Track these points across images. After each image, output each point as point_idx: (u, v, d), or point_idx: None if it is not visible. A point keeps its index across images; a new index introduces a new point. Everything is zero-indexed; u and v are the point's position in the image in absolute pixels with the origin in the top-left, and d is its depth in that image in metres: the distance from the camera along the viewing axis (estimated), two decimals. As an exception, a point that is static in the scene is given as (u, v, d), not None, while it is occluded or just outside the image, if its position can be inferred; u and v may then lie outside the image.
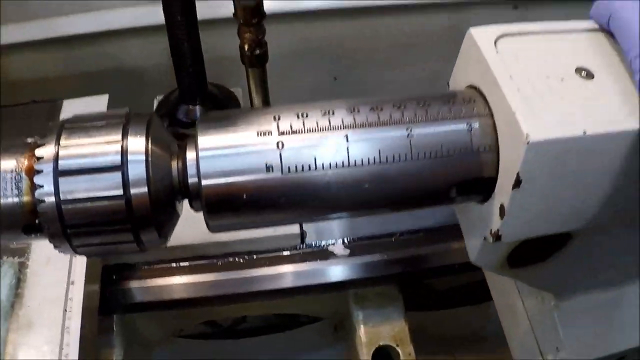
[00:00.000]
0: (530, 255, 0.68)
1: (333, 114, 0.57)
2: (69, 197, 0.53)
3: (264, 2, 1.36)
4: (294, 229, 1.08)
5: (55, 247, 0.57)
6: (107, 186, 0.53)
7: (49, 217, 0.53)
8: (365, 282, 1.10)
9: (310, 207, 0.58)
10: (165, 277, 1.07)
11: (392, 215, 1.10)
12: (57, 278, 0.91)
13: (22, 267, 0.92)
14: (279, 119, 0.57)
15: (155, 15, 1.38)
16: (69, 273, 0.91)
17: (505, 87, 0.56)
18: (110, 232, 0.55)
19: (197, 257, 1.09)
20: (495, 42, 0.60)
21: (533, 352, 0.87)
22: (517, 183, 0.55)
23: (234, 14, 0.93)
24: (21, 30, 1.42)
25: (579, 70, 0.59)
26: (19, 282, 0.91)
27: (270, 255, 1.09)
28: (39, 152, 0.54)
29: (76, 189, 0.53)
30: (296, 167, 0.55)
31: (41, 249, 0.94)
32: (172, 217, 0.59)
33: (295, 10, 1.46)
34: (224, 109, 1.12)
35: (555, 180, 0.55)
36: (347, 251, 1.09)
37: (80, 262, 0.93)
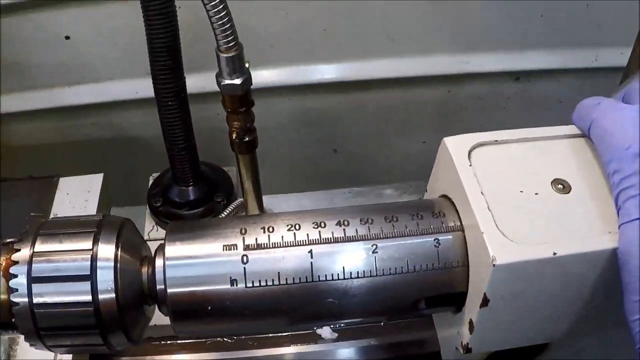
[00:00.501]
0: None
1: (298, 228, 0.58)
2: (41, 301, 0.54)
3: (265, 74, 1.40)
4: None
5: (31, 345, 0.58)
6: (77, 292, 0.55)
7: (23, 319, 0.55)
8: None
9: (275, 320, 0.58)
10: (155, 355, 1.06)
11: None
12: (45, 355, 0.89)
13: (12, 344, 0.93)
14: (245, 232, 0.58)
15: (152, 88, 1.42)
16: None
17: (475, 204, 0.56)
18: (80, 335, 0.56)
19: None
20: (469, 153, 0.60)
21: None
22: (485, 302, 0.54)
23: (222, 101, 0.94)
24: (22, 100, 1.45)
25: (555, 182, 0.58)
26: (9, 358, 0.91)
27: (258, 336, 1.08)
28: (15, 256, 0.56)
29: (48, 293, 0.55)
30: (260, 281, 0.56)
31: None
32: (140, 320, 0.60)
33: (295, 83, 1.48)
34: (217, 190, 1.13)
35: (524, 299, 0.55)
36: (335, 335, 1.07)
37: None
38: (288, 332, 1.07)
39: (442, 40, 1.49)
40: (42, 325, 0.55)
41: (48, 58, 1.40)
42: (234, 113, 0.92)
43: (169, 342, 1.08)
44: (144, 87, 1.40)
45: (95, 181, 1.16)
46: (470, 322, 0.57)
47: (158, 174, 1.19)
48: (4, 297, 0.56)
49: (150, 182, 1.17)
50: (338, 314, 0.58)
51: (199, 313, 0.57)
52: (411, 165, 1.69)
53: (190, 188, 1.10)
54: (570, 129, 0.63)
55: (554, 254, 0.53)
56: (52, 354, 0.84)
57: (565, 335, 0.61)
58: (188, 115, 1.01)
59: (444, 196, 0.62)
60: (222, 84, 0.89)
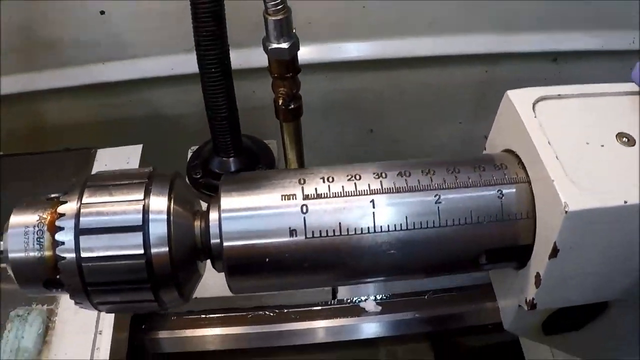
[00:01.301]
0: (564, 323, 0.66)
1: (359, 178, 0.56)
2: (89, 255, 0.52)
3: (302, 51, 1.38)
4: (326, 283, 1.06)
5: (76, 303, 0.56)
6: (128, 245, 0.53)
7: (69, 274, 0.53)
8: (396, 340, 1.07)
9: (334, 272, 0.56)
10: (195, 328, 1.06)
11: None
12: (85, 327, 0.90)
13: (50, 315, 0.92)
14: (304, 182, 0.56)
15: (191, 64, 1.40)
16: (97, 322, 0.91)
17: (544, 154, 0.54)
18: (130, 290, 0.54)
19: (227, 310, 1.07)
20: (533, 106, 0.59)
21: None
22: (554, 252, 0.52)
23: (268, 68, 0.92)
24: (57, 77, 1.44)
25: (619, 135, 0.56)
26: (47, 330, 0.91)
27: (301, 309, 1.07)
28: (61, 209, 0.54)
29: (96, 247, 0.52)
30: (320, 232, 0.54)
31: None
32: (193, 276, 0.58)
33: (333, 60, 1.46)
34: (258, 162, 1.11)
35: (593, 250, 0.53)
36: (379, 308, 1.06)
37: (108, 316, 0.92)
38: (332, 305, 1.06)
39: (481, 19, 1.46)
40: (90, 280, 0.53)
41: (83, 34, 1.39)
42: (281, 79, 0.91)
43: (207, 315, 1.08)
44: (180, 64, 1.41)
45: (134, 152, 1.15)
46: (537, 276, 0.55)
47: (197, 146, 1.17)
48: (48, 253, 0.54)
49: (190, 154, 1.16)
50: (399, 267, 0.56)
51: (256, 267, 0.55)
52: (447, 144, 1.67)
53: (232, 159, 1.08)
54: (631, 87, 0.61)
55: (625, 202, 0.51)
56: (89, 348, 0.85)
57: (631, 293, 0.59)
58: (231, 84, 1.00)
59: (506, 151, 0.60)
60: (270, 48, 0.87)
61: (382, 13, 1.43)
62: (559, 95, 0.60)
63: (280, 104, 0.92)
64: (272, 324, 1.05)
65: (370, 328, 1.06)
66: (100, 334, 0.90)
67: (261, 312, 1.07)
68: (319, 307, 1.07)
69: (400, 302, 1.08)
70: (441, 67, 1.53)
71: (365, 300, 1.07)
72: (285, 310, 1.07)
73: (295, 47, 0.88)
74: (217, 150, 1.08)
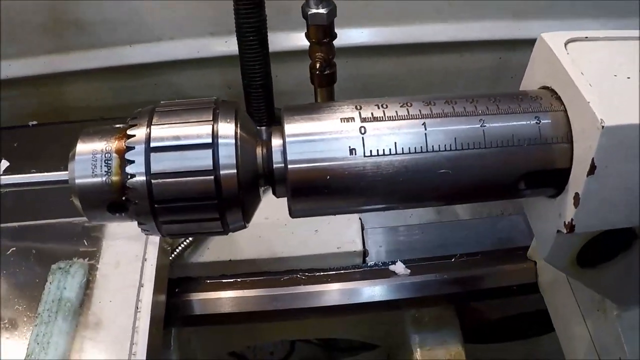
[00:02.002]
0: (598, 253, 0.69)
1: (410, 105, 0.61)
2: (160, 171, 0.56)
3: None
4: (357, 245, 1.10)
5: (140, 224, 0.59)
6: (198, 162, 0.57)
7: (138, 192, 0.56)
8: (424, 301, 1.11)
9: (389, 191, 0.60)
10: (228, 290, 1.10)
11: (451, 239, 1.13)
12: (126, 281, 0.94)
13: (92, 270, 0.95)
14: (360, 108, 0.60)
15: (217, 48, 1.45)
16: (141, 275, 0.94)
17: (578, 81, 0.59)
18: (197, 209, 0.58)
19: (260, 273, 1.11)
20: (565, 45, 0.64)
21: (594, 368, 0.88)
22: (592, 169, 0.57)
23: (305, 34, 0.97)
24: (82, 58, 1.47)
25: (645, 70, 0.61)
26: (88, 283, 0.94)
27: (331, 272, 1.11)
28: (131, 131, 0.58)
29: (167, 164, 0.56)
30: (377, 150, 0.58)
31: (111, 253, 0.98)
32: (255, 200, 0.62)
33: (348, 45, 1.50)
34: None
35: (628, 166, 0.57)
36: (408, 271, 1.10)
37: (149, 266, 0.96)
38: (364, 268, 1.10)
39: (497, 5, 1.50)
40: (159, 197, 0.56)
41: (110, 15, 1.42)
42: (318, 44, 0.96)
43: (239, 279, 1.12)
44: (206, 47, 1.45)
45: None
46: (576, 196, 0.59)
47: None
48: (116, 177, 0.57)
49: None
50: (449, 187, 0.60)
51: (318, 187, 0.59)
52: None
53: (264, 129, 1.13)
54: None
55: (656, 119, 0.55)
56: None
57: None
58: (267, 53, 1.05)
59: (541, 88, 0.65)
60: (309, 13, 0.92)
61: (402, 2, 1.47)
62: (586, 37, 0.66)
63: (317, 68, 0.97)
64: (303, 286, 1.09)
65: (399, 289, 1.10)
66: (142, 286, 0.93)
67: (293, 275, 1.10)
68: (353, 270, 1.12)
69: (428, 265, 1.12)
70: (454, 53, 1.57)
71: (395, 263, 1.11)
72: (317, 274, 1.11)
73: (333, 13, 0.93)
74: (251, 118, 1.12)
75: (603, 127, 0.55)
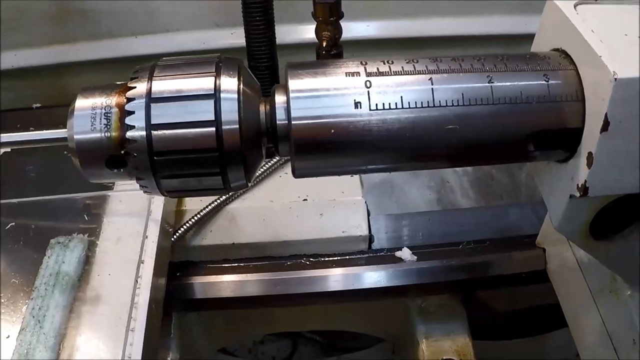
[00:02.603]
0: (611, 224, 0.68)
1: (417, 62, 0.59)
2: (160, 122, 0.55)
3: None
4: (362, 230, 1.09)
5: (139, 180, 0.58)
6: (200, 114, 0.55)
7: (138, 145, 0.55)
8: (431, 287, 1.09)
9: (395, 147, 0.59)
10: (230, 274, 1.08)
11: (459, 226, 1.12)
12: (126, 257, 0.92)
13: (92, 246, 0.94)
14: (365, 64, 0.59)
15: (222, 40, 1.44)
16: (141, 251, 0.93)
17: (589, 38, 0.58)
18: (197, 162, 0.57)
19: (264, 258, 1.10)
20: (575, 7, 0.63)
21: (606, 351, 0.86)
22: (606, 125, 0.55)
23: (312, 13, 0.96)
24: (87, 49, 1.48)
25: (654, 31, 0.60)
26: (87, 258, 0.92)
27: (337, 258, 1.09)
28: (132, 83, 0.57)
29: (168, 116, 0.55)
30: (383, 104, 0.57)
31: (112, 230, 0.96)
32: (258, 158, 0.61)
33: (355, 38, 1.50)
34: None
35: (641, 124, 0.56)
36: (414, 257, 1.08)
37: (150, 243, 0.94)
38: (370, 254, 1.09)
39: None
40: (159, 149, 0.55)
41: (116, 6, 1.43)
42: (325, 23, 0.95)
43: (243, 264, 1.10)
44: (212, 38, 1.45)
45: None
46: (589, 156, 0.58)
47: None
48: (115, 129, 0.56)
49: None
50: (457, 145, 0.59)
51: (322, 144, 0.58)
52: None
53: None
54: None
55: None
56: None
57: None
58: (273, 35, 1.04)
59: (551, 50, 0.64)
60: (316, -11, 0.91)
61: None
62: (596, 1, 0.64)
63: (323, 47, 0.96)
64: (307, 270, 1.07)
65: (405, 274, 1.08)
66: (142, 263, 0.92)
67: (297, 260, 1.09)
68: (355, 256, 1.10)
69: (435, 252, 1.10)
70: (459, 47, 1.57)
71: (401, 249, 1.09)
72: (321, 259, 1.09)
73: (340, -8, 0.93)
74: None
75: (616, 79, 0.53)
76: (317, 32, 0.98)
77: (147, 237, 0.94)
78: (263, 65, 1.06)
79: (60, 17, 1.42)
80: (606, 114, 0.55)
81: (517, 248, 1.10)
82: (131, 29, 1.46)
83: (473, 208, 1.20)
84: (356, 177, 1.16)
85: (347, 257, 1.10)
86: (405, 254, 1.09)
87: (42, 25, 1.42)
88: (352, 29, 1.50)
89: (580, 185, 0.60)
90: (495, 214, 1.19)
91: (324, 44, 0.97)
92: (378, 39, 1.54)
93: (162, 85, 0.56)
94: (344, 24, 1.40)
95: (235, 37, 1.38)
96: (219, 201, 1.09)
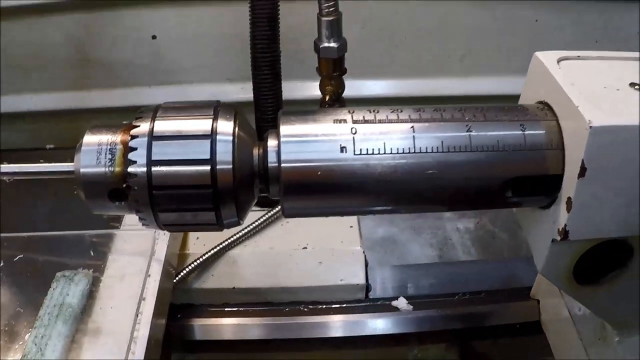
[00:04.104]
0: (594, 269, 0.70)
1: (401, 111, 0.64)
2: (160, 158, 0.59)
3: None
4: (360, 279, 1.12)
5: (138, 212, 0.62)
6: (196, 153, 0.59)
7: (138, 179, 0.59)
8: (427, 336, 1.11)
9: (378, 191, 0.62)
10: (230, 317, 1.11)
11: (455, 278, 1.14)
12: (129, 293, 0.96)
13: (96, 282, 0.98)
14: (352, 112, 0.63)
15: (232, 94, 1.50)
16: (143, 289, 0.96)
17: (568, 90, 0.62)
18: (192, 198, 0.60)
19: (263, 303, 1.13)
20: (558, 62, 0.67)
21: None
22: (583, 171, 0.58)
23: (316, 68, 1.02)
24: (104, 96, 1.54)
25: (632, 84, 0.64)
26: (91, 292, 0.96)
27: (334, 305, 1.12)
28: (136, 122, 0.61)
29: (167, 153, 0.59)
30: (367, 149, 0.61)
31: (116, 267, 1.00)
32: (250, 197, 0.64)
33: (362, 97, 1.55)
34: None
35: (617, 170, 0.59)
36: (410, 307, 1.11)
37: (152, 281, 0.98)
38: (367, 303, 1.11)
39: (505, 62, 1.55)
40: (157, 184, 0.59)
41: (133, 57, 1.49)
42: (328, 78, 1.00)
43: (242, 308, 1.13)
44: (223, 92, 1.50)
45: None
46: (568, 200, 0.61)
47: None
48: (118, 164, 0.60)
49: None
50: (437, 189, 0.62)
51: (309, 185, 0.61)
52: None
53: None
54: None
55: (640, 122, 0.58)
56: (132, 316, 0.89)
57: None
58: (279, 88, 1.09)
59: (535, 103, 0.68)
60: (321, 46, 0.97)
61: (417, 52, 1.52)
62: (578, 56, 0.69)
63: (326, 101, 1.01)
64: (306, 316, 1.10)
65: (401, 323, 1.10)
66: (144, 300, 0.95)
67: (296, 307, 1.12)
68: (356, 305, 1.13)
69: (431, 302, 1.12)
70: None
71: (397, 298, 1.12)
72: (319, 306, 1.12)
73: (343, 48, 0.99)
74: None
75: (591, 127, 0.56)
76: (321, 86, 1.03)
77: (149, 276, 0.97)
78: (269, 117, 1.10)
79: (80, 65, 1.48)
80: (583, 160, 0.58)
81: (512, 299, 1.12)
82: (146, 80, 1.52)
83: (469, 261, 1.23)
84: (355, 228, 1.19)
85: (345, 305, 1.12)
86: (402, 303, 1.11)
87: (62, 71, 1.48)
88: (362, 87, 1.56)
89: (560, 230, 0.63)
90: (491, 266, 1.21)
91: (327, 97, 1.02)
92: (384, 97, 1.59)
93: (164, 125, 0.61)
94: (350, 82, 1.47)
95: (245, 92, 1.42)
96: (221, 246, 1.13)
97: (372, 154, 0.61)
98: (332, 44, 0.98)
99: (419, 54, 1.56)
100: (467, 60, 1.59)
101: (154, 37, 1.46)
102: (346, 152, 0.61)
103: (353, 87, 1.48)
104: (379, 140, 0.61)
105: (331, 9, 0.95)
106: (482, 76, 1.61)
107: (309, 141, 0.62)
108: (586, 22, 1.55)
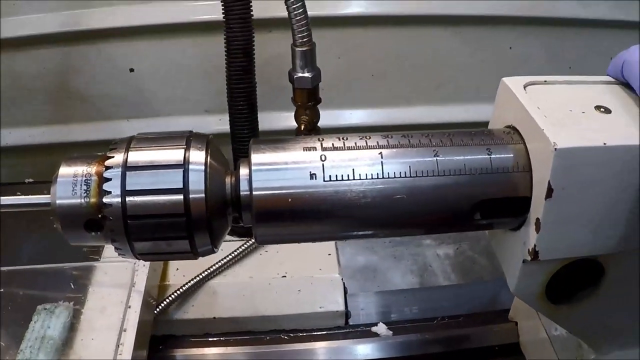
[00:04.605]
0: (565, 288, 0.72)
1: (369, 138, 0.65)
2: (134, 188, 0.60)
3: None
4: (339, 305, 1.13)
5: (113, 242, 0.63)
6: (169, 182, 0.61)
7: (113, 209, 0.60)
8: (407, 361, 1.12)
9: (348, 217, 0.63)
10: (212, 347, 1.11)
11: (433, 303, 1.15)
12: (109, 324, 0.96)
13: (77, 314, 0.98)
14: (322, 140, 0.65)
15: (210, 126, 1.51)
16: (123, 320, 0.96)
17: (534, 114, 0.63)
18: (166, 226, 0.61)
19: (244, 332, 1.13)
20: (524, 87, 0.69)
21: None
22: (549, 192, 0.60)
23: (292, 98, 1.03)
24: (82, 130, 1.56)
25: (597, 107, 0.66)
26: (72, 325, 0.97)
27: (314, 333, 1.13)
28: (110, 153, 0.62)
29: (141, 183, 0.60)
30: (336, 176, 0.62)
31: (97, 298, 1.01)
32: (223, 225, 0.65)
33: (339, 126, 1.57)
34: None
35: (583, 191, 0.61)
36: (390, 332, 1.12)
37: (133, 312, 0.98)
38: (347, 329, 1.12)
39: (475, 86, 1.58)
40: (132, 213, 0.60)
41: (111, 90, 1.50)
42: (303, 108, 1.02)
43: (223, 338, 1.13)
44: (200, 124, 1.52)
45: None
46: (537, 221, 0.62)
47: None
48: (93, 195, 0.61)
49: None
50: (406, 214, 0.64)
51: (280, 212, 0.62)
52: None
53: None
54: (607, 79, 0.72)
55: (604, 143, 0.59)
56: (112, 348, 0.89)
57: (622, 246, 0.66)
58: (255, 119, 1.10)
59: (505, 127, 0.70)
60: (295, 77, 0.99)
61: (392, 82, 1.54)
62: (545, 81, 0.71)
63: (301, 131, 1.02)
64: (287, 344, 1.11)
65: (381, 349, 1.11)
66: (125, 331, 0.95)
67: (277, 335, 1.12)
68: (336, 332, 1.14)
69: (410, 327, 1.13)
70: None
71: (377, 324, 1.13)
72: (300, 334, 1.12)
73: (317, 78, 1.00)
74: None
75: (556, 149, 0.58)
76: (296, 116, 1.05)
77: (130, 307, 0.98)
78: (245, 147, 1.11)
79: (58, 98, 1.49)
80: (549, 181, 0.60)
81: (491, 322, 1.13)
82: (124, 113, 1.53)
83: (447, 285, 1.24)
84: (333, 255, 1.20)
85: (325, 332, 1.13)
86: (381, 329, 1.12)
87: (40, 105, 1.49)
88: (335, 116, 1.58)
89: (530, 250, 0.64)
90: (469, 290, 1.22)
91: (303, 127, 1.03)
92: (360, 127, 1.61)
93: (138, 155, 0.62)
94: (327, 111, 1.49)
95: (223, 123, 1.42)
96: (201, 277, 1.13)
97: (342, 180, 0.62)
98: (307, 74, 1.00)
99: (394, 83, 1.58)
100: (443, 88, 1.62)
101: (131, 70, 1.48)
102: (316, 178, 0.62)
103: (329, 117, 1.50)
104: (348, 167, 0.63)
105: (305, 40, 0.97)
106: (458, 104, 1.64)
107: (279, 169, 0.63)
108: (560, 48, 1.58)
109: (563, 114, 0.64)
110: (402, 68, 1.56)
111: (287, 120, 1.37)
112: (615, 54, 0.70)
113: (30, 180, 1.40)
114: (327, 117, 1.44)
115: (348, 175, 0.62)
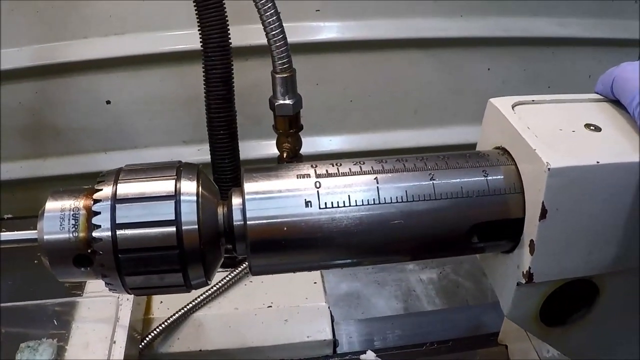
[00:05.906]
0: (560, 310, 0.71)
1: (363, 163, 0.64)
2: (125, 221, 0.58)
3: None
4: (327, 334, 1.11)
5: (104, 277, 0.61)
6: (161, 214, 0.59)
7: (103, 243, 0.58)
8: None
9: (345, 244, 0.62)
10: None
11: (422, 329, 1.14)
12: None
13: (60, 350, 0.96)
14: (315, 167, 0.64)
15: (189, 157, 1.47)
16: (109, 355, 0.94)
17: (524, 134, 0.63)
18: (159, 260, 0.59)
19: (232, 364, 1.11)
20: (513, 107, 0.69)
21: None
22: (543, 213, 0.59)
23: (273, 126, 1.02)
24: (60, 164, 1.53)
25: (587, 125, 0.66)
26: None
27: (307, 361, 1.11)
28: (98, 186, 0.60)
29: (132, 216, 0.59)
30: (332, 203, 0.61)
31: (80, 334, 0.98)
32: (216, 256, 0.64)
33: (321, 153, 1.57)
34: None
35: (577, 210, 0.60)
36: (379, 359, 1.10)
37: (118, 347, 0.96)
38: (335, 358, 1.11)
39: (462, 110, 1.58)
40: (122, 247, 0.58)
41: (88, 123, 1.49)
42: (285, 135, 1.01)
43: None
44: (179, 155, 1.50)
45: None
46: (531, 243, 0.62)
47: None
48: (82, 230, 0.59)
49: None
50: (403, 239, 0.63)
51: (276, 242, 0.61)
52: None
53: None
54: (595, 96, 0.72)
55: (597, 162, 0.59)
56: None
57: (617, 265, 0.65)
58: (236, 148, 1.09)
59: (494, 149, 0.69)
60: (276, 104, 0.98)
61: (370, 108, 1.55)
62: (532, 100, 0.71)
63: (284, 158, 1.01)
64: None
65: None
66: (109, 366, 0.93)
67: (265, 368, 1.10)
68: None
69: (399, 353, 1.12)
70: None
71: (365, 352, 1.11)
72: (287, 363, 1.11)
73: (298, 105, 0.99)
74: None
75: (549, 169, 0.58)
76: (278, 144, 1.04)
77: (114, 342, 0.95)
78: (227, 177, 1.10)
79: (34, 133, 1.47)
80: (543, 202, 0.59)
81: (480, 346, 1.12)
82: (102, 145, 1.51)
83: (435, 310, 1.23)
84: (319, 284, 1.19)
85: (314, 361, 1.11)
86: (370, 356, 1.10)
87: (16, 139, 1.47)
88: (316, 142, 1.58)
89: (525, 272, 0.64)
90: (457, 315, 1.21)
91: (285, 155, 1.02)
92: (341, 153, 1.61)
93: (127, 188, 0.60)
94: (308, 138, 1.48)
95: (202, 153, 1.43)
96: (186, 309, 1.11)
97: (337, 207, 0.61)
98: (288, 101, 0.99)
99: (373, 108, 1.58)
100: (420, 112, 1.62)
101: (108, 102, 1.46)
102: (311, 206, 0.61)
103: (310, 144, 1.51)
104: (343, 193, 0.62)
105: (285, 66, 0.96)
106: (436, 127, 1.64)
107: (273, 197, 0.62)
108: (538, 67, 1.59)
109: (553, 133, 0.64)
110: (380, 93, 1.57)
111: (268, 148, 1.36)
112: (594, 72, 0.71)
113: (10, 216, 1.37)
114: (307, 144, 1.45)
115: (344, 202, 0.61)
